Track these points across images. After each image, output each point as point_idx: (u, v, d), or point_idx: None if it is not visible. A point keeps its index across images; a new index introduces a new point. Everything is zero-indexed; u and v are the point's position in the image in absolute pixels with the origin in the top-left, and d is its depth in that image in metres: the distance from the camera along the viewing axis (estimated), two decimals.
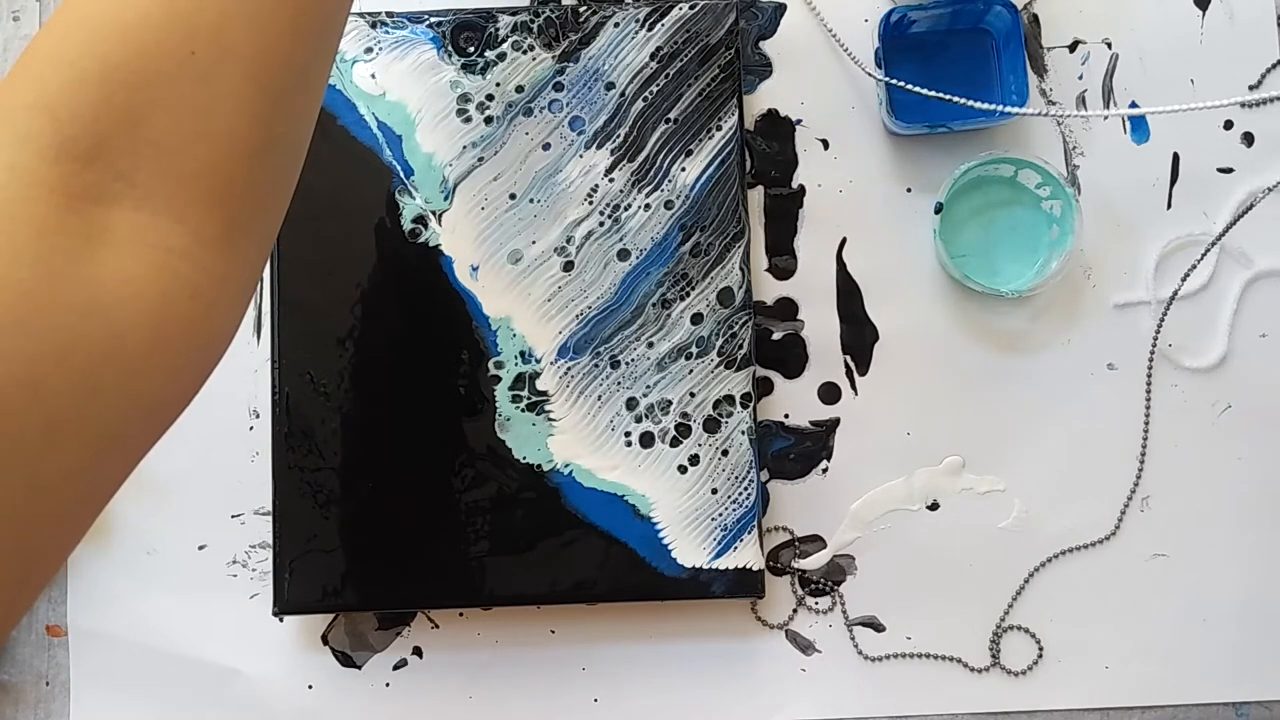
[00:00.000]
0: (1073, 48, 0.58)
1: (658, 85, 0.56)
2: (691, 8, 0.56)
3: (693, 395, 0.55)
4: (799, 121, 0.58)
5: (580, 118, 0.56)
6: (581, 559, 0.54)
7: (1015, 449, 0.57)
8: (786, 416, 0.57)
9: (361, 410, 0.55)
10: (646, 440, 0.55)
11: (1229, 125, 0.58)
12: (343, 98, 0.56)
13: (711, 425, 0.55)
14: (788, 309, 0.58)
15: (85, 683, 0.56)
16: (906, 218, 0.58)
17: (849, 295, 0.58)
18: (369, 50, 0.56)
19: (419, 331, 0.55)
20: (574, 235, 0.56)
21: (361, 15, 0.56)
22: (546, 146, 0.56)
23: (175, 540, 0.57)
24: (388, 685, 0.56)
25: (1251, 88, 0.58)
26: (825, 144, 0.58)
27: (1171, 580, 0.56)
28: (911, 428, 0.57)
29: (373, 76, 0.56)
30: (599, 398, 0.55)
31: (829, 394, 0.57)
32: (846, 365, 0.57)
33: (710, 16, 0.56)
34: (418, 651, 0.56)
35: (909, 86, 0.54)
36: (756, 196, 0.58)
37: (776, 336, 0.57)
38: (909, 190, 0.58)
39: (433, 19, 0.57)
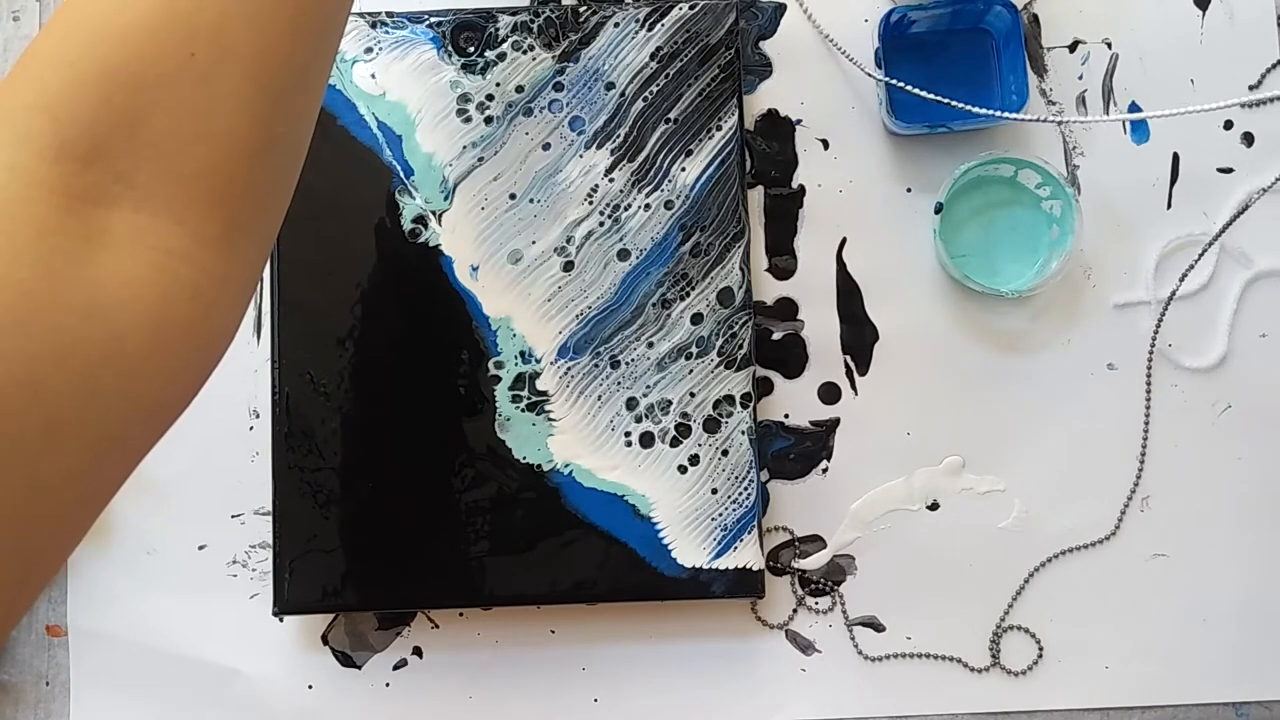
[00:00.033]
0: (1073, 48, 0.58)
1: (658, 85, 0.56)
2: (691, 8, 0.56)
3: (693, 395, 0.55)
4: (799, 121, 0.58)
5: (580, 118, 0.56)
6: (581, 559, 0.54)
7: (1015, 449, 0.57)
8: (786, 416, 0.57)
9: (361, 410, 0.55)
10: (646, 440, 0.55)
11: (1229, 125, 0.58)
12: (343, 98, 0.56)
13: (711, 425, 0.55)
14: (788, 309, 0.58)
15: (85, 683, 0.56)
16: (906, 218, 0.58)
17: (849, 295, 0.58)
18: (369, 50, 0.56)
19: (419, 331, 0.55)
20: (574, 235, 0.56)
21: (361, 15, 0.56)
22: (546, 146, 0.56)
23: (175, 540, 0.57)
24: (388, 685, 0.56)
25: (1251, 88, 0.58)
26: (825, 144, 0.58)
27: (1171, 580, 0.56)
28: (911, 428, 0.57)
29: (373, 76, 0.56)
30: (599, 398, 0.55)
31: (829, 394, 0.57)
32: (846, 365, 0.57)
33: (710, 16, 0.56)
34: (418, 651, 0.56)
35: (908, 88, 0.54)
36: (756, 196, 0.58)
37: (776, 336, 0.57)
38: (909, 190, 0.58)
39: (433, 19, 0.57)
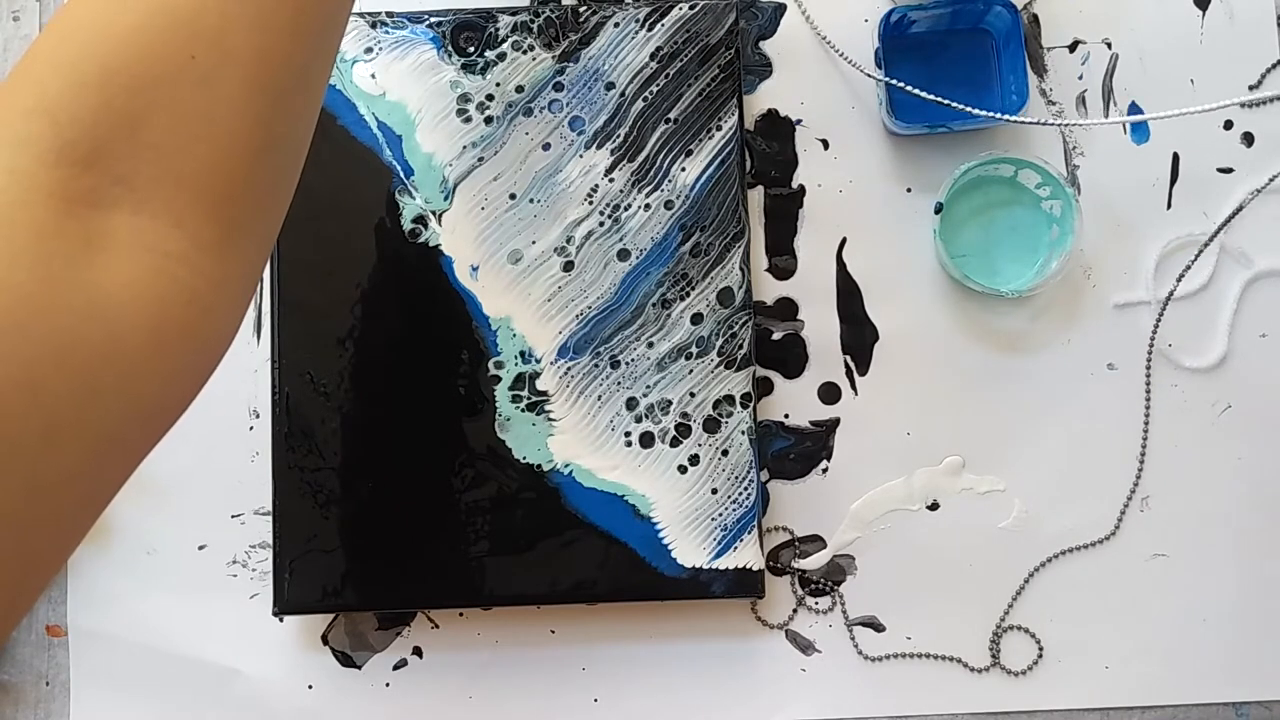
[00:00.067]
0: (1073, 48, 0.58)
1: (658, 85, 0.56)
2: (691, 8, 0.56)
3: (693, 395, 0.55)
4: (799, 121, 0.58)
5: (580, 118, 0.56)
6: (581, 559, 0.54)
7: (1015, 449, 0.57)
8: (786, 416, 0.57)
9: (361, 410, 0.55)
10: (646, 440, 0.55)
11: (1229, 125, 0.58)
12: (343, 98, 0.56)
13: (711, 425, 0.55)
14: (788, 309, 0.58)
15: (85, 683, 0.56)
16: (906, 218, 0.58)
17: (849, 295, 0.58)
18: (369, 50, 0.56)
19: (419, 331, 0.55)
20: (574, 235, 0.56)
21: (361, 15, 0.56)
22: (546, 146, 0.56)
23: (175, 540, 0.57)
24: (388, 685, 0.56)
25: (1251, 88, 0.58)
26: (825, 144, 0.58)
27: (1171, 580, 0.56)
28: (911, 428, 0.57)
29: (373, 76, 0.56)
30: (599, 398, 0.55)
31: (829, 394, 0.57)
32: (846, 365, 0.57)
33: (710, 16, 0.56)
34: (418, 651, 0.56)
35: (908, 88, 0.54)
36: (756, 196, 0.58)
37: (776, 336, 0.57)
38: (909, 190, 0.58)
39: (433, 19, 0.57)
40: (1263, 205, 0.57)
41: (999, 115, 0.53)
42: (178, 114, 0.31)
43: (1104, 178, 0.58)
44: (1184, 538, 0.56)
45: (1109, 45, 0.58)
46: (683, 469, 0.54)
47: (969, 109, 0.52)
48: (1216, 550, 0.56)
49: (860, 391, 0.57)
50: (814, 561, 0.56)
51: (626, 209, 0.56)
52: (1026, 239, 0.57)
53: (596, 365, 0.55)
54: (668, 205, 0.56)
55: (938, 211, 0.55)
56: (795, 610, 0.56)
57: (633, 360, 0.55)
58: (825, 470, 0.57)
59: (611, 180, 0.56)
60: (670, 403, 0.55)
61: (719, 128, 0.56)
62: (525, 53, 0.56)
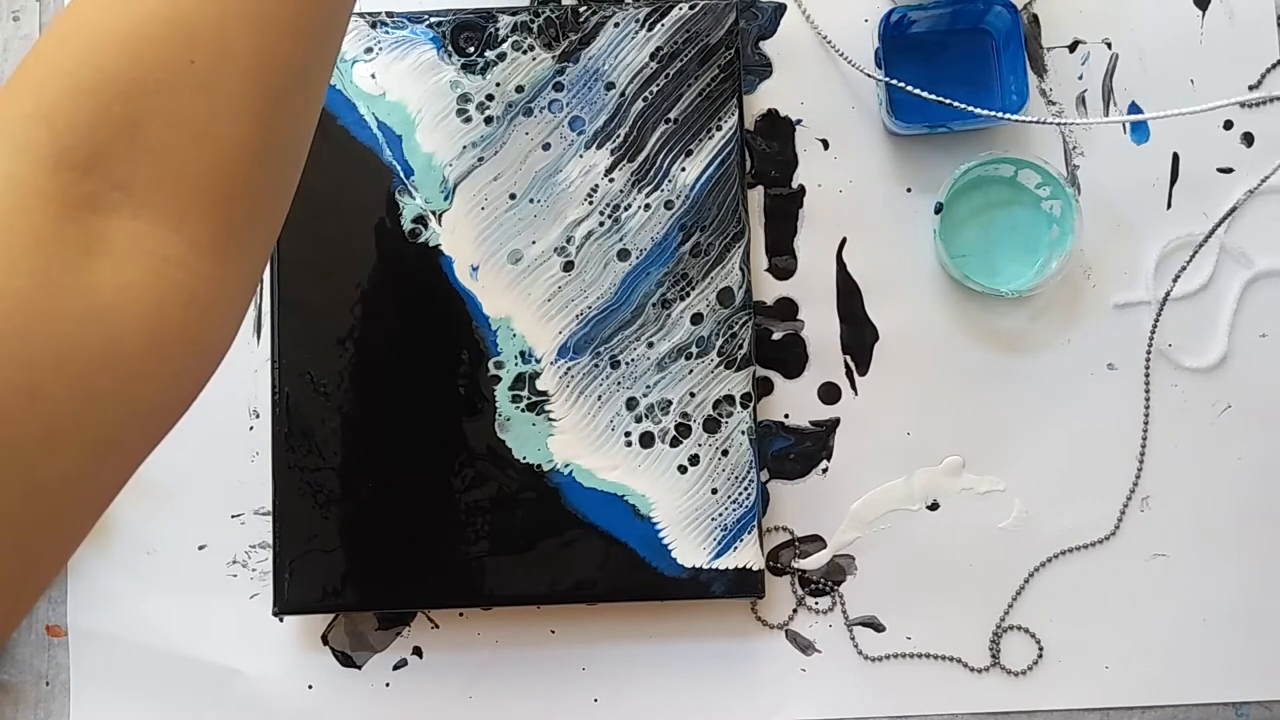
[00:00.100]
0: (1073, 48, 0.58)
1: (658, 85, 0.56)
2: (691, 8, 0.56)
3: (693, 395, 0.55)
4: (799, 121, 0.58)
5: (580, 118, 0.56)
6: (581, 559, 0.54)
7: (1015, 449, 0.57)
8: (786, 416, 0.57)
9: (361, 410, 0.55)
10: (646, 440, 0.55)
11: (1229, 125, 0.58)
12: (343, 98, 0.56)
13: (711, 425, 0.55)
14: (788, 309, 0.58)
15: (85, 683, 0.56)
16: (906, 218, 0.58)
17: (849, 295, 0.58)
18: (369, 50, 0.56)
19: (419, 331, 0.55)
20: (574, 235, 0.56)
21: (361, 15, 0.56)
22: (546, 146, 0.56)
23: (175, 540, 0.57)
24: (388, 685, 0.56)
25: (1251, 88, 0.58)
26: (825, 144, 0.58)
27: (1171, 580, 0.56)
28: (911, 428, 0.57)
29: (373, 76, 0.56)
30: (599, 398, 0.55)
31: (829, 394, 0.57)
32: (846, 365, 0.57)
33: (710, 16, 0.56)
34: (418, 651, 0.56)
35: (908, 88, 0.54)
36: (756, 196, 0.58)
37: (776, 336, 0.57)
38: (909, 190, 0.58)
39: (433, 19, 0.56)
40: (1263, 205, 0.57)
41: (999, 114, 0.53)
42: (176, 119, 0.31)
43: (1104, 178, 0.58)
44: (1184, 538, 0.56)
45: (1109, 45, 0.58)
46: (683, 469, 0.55)
47: (969, 107, 0.52)
48: (1216, 550, 0.56)
49: (860, 391, 0.57)
50: (814, 561, 0.56)
51: (626, 209, 0.56)
52: (1026, 239, 0.57)
53: (596, 365, 0.55)
54: (668, 205, 0.56)
55: (938, 211, 0.55)
56: (795, 610, 0.56)
57: (633, 360, 0.55)
58: (825, 470, 0.57)
59: (611, 180, 0.56)
60: (670, 403, 0.55)
61: (719, 128, 0.56)
62: (525, 53, 0.56)
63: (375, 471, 0.55)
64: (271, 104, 0.33)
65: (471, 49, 0.56)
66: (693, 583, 0.54)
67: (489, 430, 0.55)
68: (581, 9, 0.56)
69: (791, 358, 0.57)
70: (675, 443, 0.55)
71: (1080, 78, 0.58)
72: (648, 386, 0.55)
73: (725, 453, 0.54)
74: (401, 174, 0.56)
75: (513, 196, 0.56)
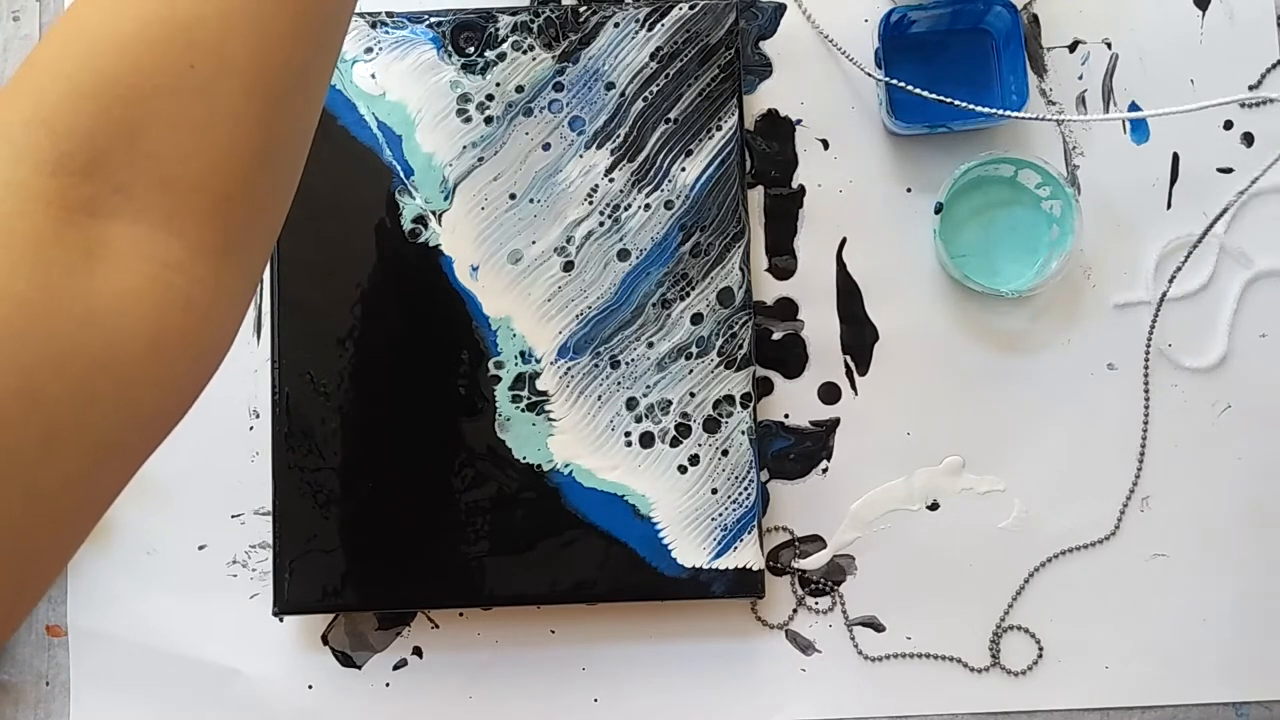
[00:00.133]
0: (1073, 48, 0.58)
1: (658, 85, 0.56)
2: (691, 8, 0.56)
3: (693, 395, 0.55)
4: (799, 121, 0.58)
5: (580, 118, 0.56)
6: (581, 559, 0.54)
7: (1015, 449, 0.57)
8: (786, 416, 0.57)
9: (361, 410, 0.55)
10: (646, 440, 0.55)
11: (1229, 125, 0.58)
12: (343, 98, 0.56)
13: (711, 425, 0.55)
14: (788, 309, 0.58)
15: (85, 683, 0.56)
16: (906, 218, 0.58)
17: (849, 295, 0.58)
18: (369, 50, 0.56)
19: (419, 331, 0.55)
20: (574, 235, 0.56)
21: (361, 15, 0.56)
22: (546, 146, 0.56)
23: (175, 540, 0.57)
24: (388, 685, 0.56)
25: (1251, 88, 0.58)
26: (825, 144, 0.58)
27: (1171, 580, 0.56)
28: (911, 428, 0.57)
29: (373, 76, 0.56)
30: (599, 398, 0.55)
31: (829, 394, 0.57)
32: (846, 365, 0.57)
33: (710, 16, 0.56)
34: (418, 651, 0.56)
35: (909, 87, 0.54)
36: (756, 196, 0.58)
37: (776, 336, 0.57)
38: (909, 190, 0.58)
39: (433, 19, 0.56)
40: (1263, 205, 0.57)
41: (999, 112, 0.53)
42: (176, 123, 0.31)
43: (1104, 178, 0.58)
44: (1184, 538, 0.56)
45: (1109, 45, 0.58)
46: (683, 469, 0.55)
47: (969, 106, 0.52)
48: (1216, 550, 0.56)
49: (860, 391, 0.57)
50: (814, 561, 0.56)
51: (626, 209, 0.56)
52: (1026, 239, 0.57)
53: (596, 365, 0.55)
54: (668, 205, 0.56)
55: (938, 211, 0.55)
56: (795, 610, 0.56)
57: (633, 360, 0.55)
58: (825, 470, 0.57)
59: (611, 180, 0.56)
60: (670, 403, 0.55)
61: (719, 128, 0.56)
62: (525, 53, 0.56)
63: (375, 471, 0.55)
64: (271, 106, 0.33)
65: (471, 49, 0.56)
66: (693, 583, 0.54)
67: (489, 430, 0.55)
68: (581, 9, 0.56)
69: (791, 358, 0.57)
70: (675, 443, 0.55)
71: (1080, 78, 0.58)
72: (648, 386, 0.55)
73: (725, 453, 0.55)
74: (401, 174, 0.56)
75: (513, 196, 0.56)
